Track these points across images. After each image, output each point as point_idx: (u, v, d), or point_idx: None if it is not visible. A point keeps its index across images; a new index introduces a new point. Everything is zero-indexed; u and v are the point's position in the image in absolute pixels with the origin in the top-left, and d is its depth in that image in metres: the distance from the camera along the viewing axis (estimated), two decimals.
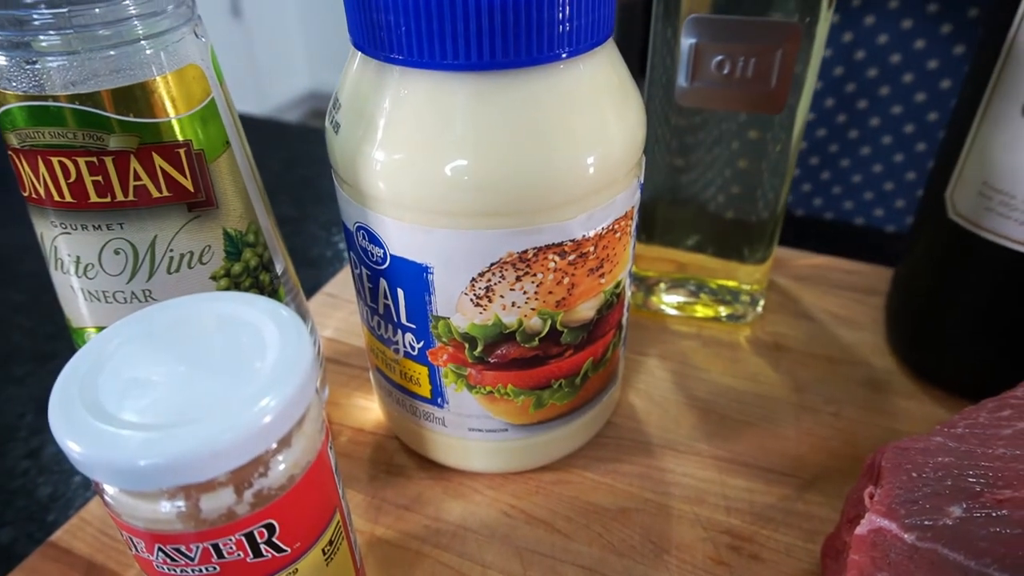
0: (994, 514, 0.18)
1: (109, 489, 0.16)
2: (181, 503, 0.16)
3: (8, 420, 0.33)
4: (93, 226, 0.20)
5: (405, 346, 0.25)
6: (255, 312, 0.18)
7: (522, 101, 0.20)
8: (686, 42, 0.28)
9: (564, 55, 0.20)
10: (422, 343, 0.24)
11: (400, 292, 0.23)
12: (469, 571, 0.25)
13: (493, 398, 0.25)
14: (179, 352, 0.17)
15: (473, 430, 0.26)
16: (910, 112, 0.41)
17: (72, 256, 0.21)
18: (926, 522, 0.18)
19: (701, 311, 0.36)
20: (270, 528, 0.17)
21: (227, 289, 0.22)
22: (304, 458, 0.17)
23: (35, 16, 0.18)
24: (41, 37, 0.18)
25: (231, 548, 0.17)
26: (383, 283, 0.23)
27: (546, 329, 0.23)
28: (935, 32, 0.39)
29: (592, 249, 0.23)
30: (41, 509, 0.29)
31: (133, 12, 0.19)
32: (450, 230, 0.21)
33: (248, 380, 0.16)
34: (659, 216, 0.34)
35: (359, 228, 0.23)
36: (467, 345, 0.23)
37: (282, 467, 0.17)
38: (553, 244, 0.22)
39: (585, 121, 0.21)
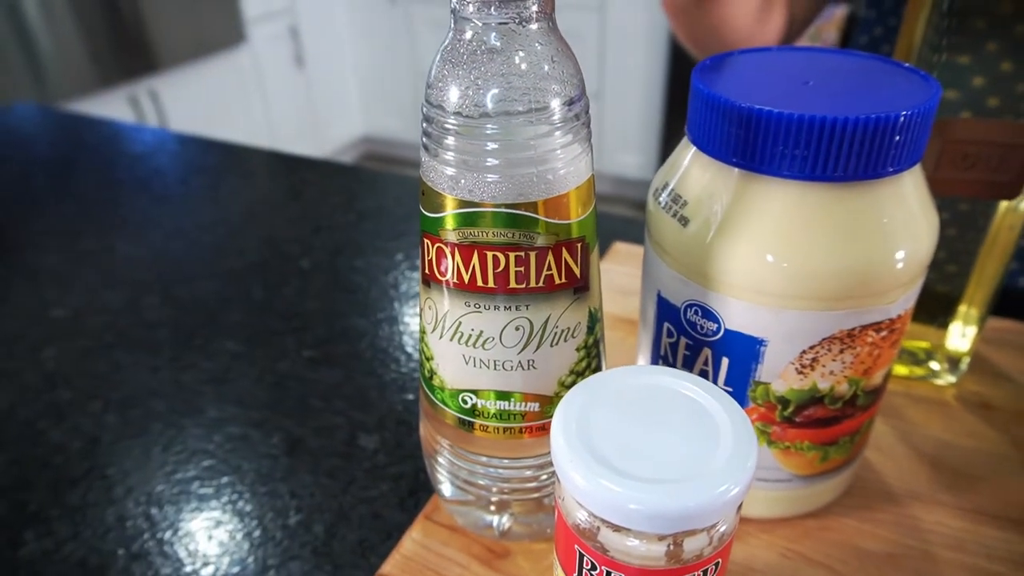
0: None
1: (607, 536, 0.19)
2: (669, 544, 0.19)
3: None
4: (504, 307, 0.24)
5: None
6: (691, 386, 0.21)
7: (862, 207, 0.24)
8: (936, 139, 0.31)
9: (892, 171, 0.24)
10: None
11: (725, 360, 0.27)
12: None
13: (788, 452, 0.28)
14: (646, 417, 0.20)
15: (761, 480, 0.29)
16: None
17: (476, 331, 0.25)
18: None
19: (898, 370, 0.39)
20: (716, 566, 0.20)
21: (585, 358, 0.26)
22: (738, 517, 0.21)
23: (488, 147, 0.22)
24: (488, 160, 0.22)
25: None
26: (707, 352, 0.27)
27: (850, 393, 0.27)
28: None
29: (899, 326, 0.26)
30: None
31: (559, 143, 0.23)
32: (797, 311, 0.25)
33: (716, 448, 0.19)
34: None
35: (690, 305, 0.27)
36: (780, 407, 0.27)
37: (732, 519, 0.20)
38: (874, 323, 0.25)
39: (906, 223, 0.25)
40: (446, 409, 0.27)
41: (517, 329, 0.25)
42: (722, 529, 0.20)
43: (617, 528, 0.19)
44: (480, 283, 0.24)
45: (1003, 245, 0.34)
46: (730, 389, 0.27)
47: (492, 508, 0.30)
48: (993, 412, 0.37)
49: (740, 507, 0.21)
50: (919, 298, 0.37)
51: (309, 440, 0.40)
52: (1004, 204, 0.33)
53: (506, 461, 0.28)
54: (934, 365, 0.39)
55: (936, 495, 0.32)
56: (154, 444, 0.40)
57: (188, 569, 0.33)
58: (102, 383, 0.45)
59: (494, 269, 0.24)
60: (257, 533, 0.34)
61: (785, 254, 0.24)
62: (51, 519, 0.36)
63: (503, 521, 0.31)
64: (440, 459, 0.30)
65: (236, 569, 0.33)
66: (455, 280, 0.24)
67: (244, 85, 2.23)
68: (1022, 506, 0.32)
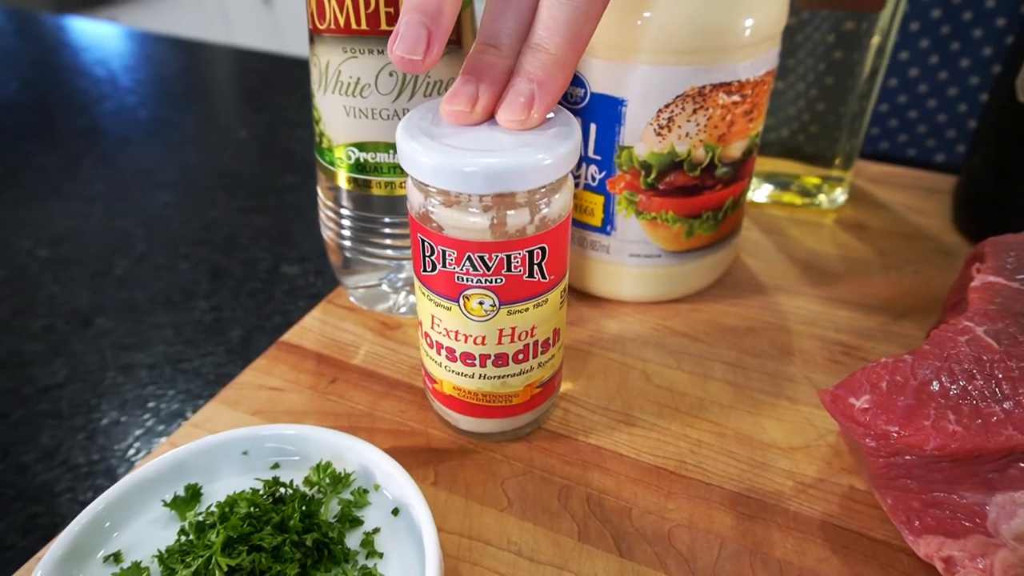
0: None
1: (437, 208, 0.21)
2: (493, 215, 0.21)
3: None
4: (378, 51, 0.26)
5: (587, 178, 0.30)
6: None
7: None
8: None
9: None
10: (604, 173, 0.30)
11: (593, 126, 0.29)
12: (633, 364, 0.31)
13: (655, 224, 0.31)
14: (490, 123, 0.22)
15: (633, 255, 0.32)
16: (967, 49, 0.47)
17: (353, 78, 0.27)
18: None
19: (789, 198, 0.42)
20: (543, 251, 0.22)
21: None
22: (563, 210, 0.23)
23: None
24: None
25: (517, 263, 0.22)
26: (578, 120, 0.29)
27: (707, 160, 0.29)
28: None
29: (749, 93, 0.28)
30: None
31: None
32: (646, 65, 0.27)
33: (532, 141, 0.22)
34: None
35: None
36: (643, 172, 0.29)
37: (553, 207, 0.22)
38: (724, 83, 0.28)
39: None
40: (338, 172, 0.29)
41: (390, 75, 0.27)
42: (544, 211, 0.22)
43: (449, 203, 0.21)
44: (354, 25, 0.26)
45: (871, 85, 0.37)
46: (599, 157, 0.30)
47: (390, 289, 0.33)
48: (865, 231, 0.39)
49: (565, 204, 0.23)
50: (813, 140, 0.40)
51: (234, 269, 0.42)
52: (873, 43, 0.36)
53: (399, 219, 0.30)
54: (822, 198, 0.41)
55: (800, 288, 0.35)
56: (86, 271, 0.42)
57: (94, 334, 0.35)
58: (35, 226, 0.46)
59: (365, 10, 0.25)
60: (170, 335, 0.36)
61: (635, 10, 0.26)
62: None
63: (399, 300, 0.33)
64: (343, 240, 0.32)
65: (153, 362, 0.35)
66: (333, 25, 0.26)
67: (208, 21, 2.19)
68: (873, 295, 0.34)
